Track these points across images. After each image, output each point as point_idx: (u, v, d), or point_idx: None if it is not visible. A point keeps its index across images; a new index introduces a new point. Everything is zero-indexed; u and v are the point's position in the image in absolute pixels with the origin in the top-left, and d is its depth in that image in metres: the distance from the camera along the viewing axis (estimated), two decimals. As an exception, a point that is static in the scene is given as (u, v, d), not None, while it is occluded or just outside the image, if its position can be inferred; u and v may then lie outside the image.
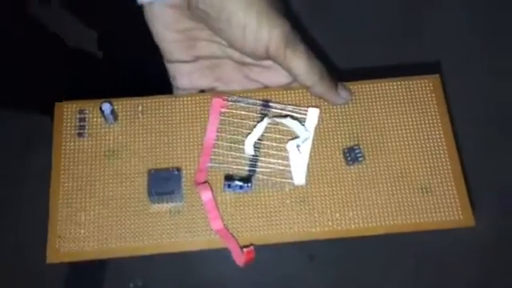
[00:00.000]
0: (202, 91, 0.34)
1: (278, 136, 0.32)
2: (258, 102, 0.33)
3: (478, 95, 0.65)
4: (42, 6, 0.67)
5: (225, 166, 0.31)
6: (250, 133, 0.32)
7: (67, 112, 0.32)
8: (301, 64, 0.30)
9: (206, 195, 0.30)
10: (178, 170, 0.31)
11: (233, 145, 0.32)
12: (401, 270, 0.67)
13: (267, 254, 0.67)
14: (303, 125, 0.32)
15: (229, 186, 0.30)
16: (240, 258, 0.29)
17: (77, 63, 0.68)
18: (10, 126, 0.69)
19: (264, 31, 0.29)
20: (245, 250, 0.29)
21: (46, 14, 0.69)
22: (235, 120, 0.32)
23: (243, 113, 0.32)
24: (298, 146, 0.31)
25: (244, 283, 0.67)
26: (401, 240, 0.67)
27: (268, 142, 0.32)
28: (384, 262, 0.68)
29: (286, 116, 0.32)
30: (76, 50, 0.68)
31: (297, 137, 0.32)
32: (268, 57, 0.31)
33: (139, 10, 0.32)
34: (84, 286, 0.70)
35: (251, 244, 0.30)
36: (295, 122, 0.32)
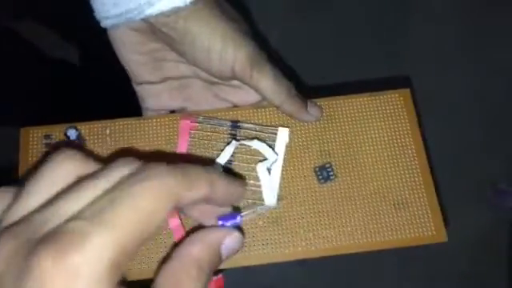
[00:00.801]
0: (173, 111, 0.34)
1: (248, 157, 0.32)
2: (227, 122, 0.32)
3: (447, 104, 0.66)
4: (13, 23, 0.66)
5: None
6: (219, 154, 0.31)
7: (33, 137, 0.32)
8: (268, 83, 0.30)
9: (173, 222, 0.29)
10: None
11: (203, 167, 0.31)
12: (388, 271, 0.68)
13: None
14: (272, 146, 0.31)
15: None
16: (210, 286, 0.29)
17: (47, 88, 0.67)
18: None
19: (229, 52, 0.29)
20: (214, 277, 0.29)
21: (20, 29, 0.68)
22: (205, 141, 0.32)
23: (213, 134, 0.32)
24: (268, 168, 0.31)
25: (237, 286, 0.67)
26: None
27: (238, 163, 0.32)
28: (373, 259, 0.68)
29: (254, 137, 0.32)
30: (45, 74, 0.68)
31: (266, 158, 0.31)
32: (235, 77, 0.30)
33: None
34: None
35: (222, 270, 0.29)
36: (263, 144, 0.31)
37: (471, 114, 0.68)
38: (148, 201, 0.17)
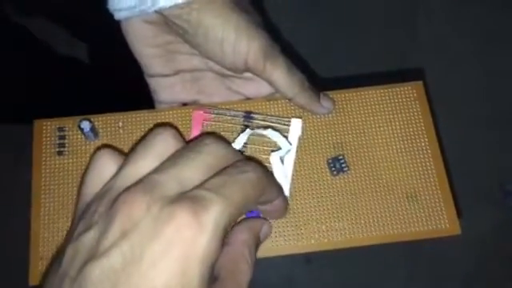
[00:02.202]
0: (185, 104, 0.34)
1: (261, 147, 0.32)
2: (240, 113, 0.32)
3: (461, 99, 0.65)
4: (26, 19, 0.66)
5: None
6: (232, 144, 0.31)
7: (46, 130, 0.32)
8: (281, 76, 0.30)
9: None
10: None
11: (216, 158, 0.31)
12: (395, 270, 0.67)
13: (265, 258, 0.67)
14: (285, 136, 0.31)
15: None
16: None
17: (61, 81, 0.67)
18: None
19: (242, 44, 0.29)
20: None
21: (31, 26, 0.68)
22: (218, 132, 0.32)
23: (226, 125, 0.32)
24: (281, 158, 0.31)
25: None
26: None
27: (251, 154, 0.32)
28: (378, 262, 0.68)
29: (267, 127, 0.32)
30: (60, 65, 0.68)
31: (280, 148, 0.31)
32: (248, 70, 0.30)
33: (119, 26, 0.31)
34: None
35: None
36: (277, 133, 0.31)
37: (483, 111, 0.67)
38: (252, 190, 0.21)
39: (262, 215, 0.28)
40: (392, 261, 0.68)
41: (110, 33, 0.32)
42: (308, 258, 0.69)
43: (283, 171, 0.31)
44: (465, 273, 0.67)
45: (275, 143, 0.31)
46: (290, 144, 0.31)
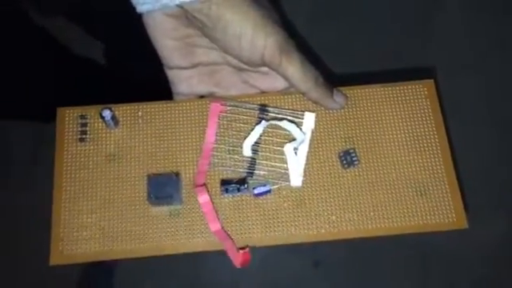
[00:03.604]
0: (201, 97, 0.35)
1: (275, 139, 0.33)
2: (255, 106, 0.33)
3: (472, 98, 0.65)
4: (47, 15, 0.68)
5: (223, 168, 0.32)
6: (248, 136, 0.32)
7: (69, 117, 0.33)
8: (295, 71, 0.31)
9: (202, 197, 0.31)
10: (177, 174, 0.32)
11: (231, 148, 0.33)
12: (406, 274, 0.68)
13: (272, 260, 0.68)
14: (300, 128, 0.32)
15: (226, 190, 0.31)
16: (237, 259, 0.30)
17: (79, 70, 0.68)
18: (19, 133, 0.70)
19: (259, 39, 0.30)
20: (241, 251, 0.30)
21: (50, 23, 0.70)
22: (234, 124, 0.33)
23: (241, 117, 0.33)
24: (295, 149, 0.32)
25: (254, 285, 0.68)
26: (405, 243, 0.68)
27: (265, 146, 0.33)
28: (389, 266, 0.68)
29: (282, 119, 0.33)
30: (78, 58, 0.69)
31: (294, 139, 0.32)
32: (264, 64, 0.31)
33: (139, 18, 0.33)
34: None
35: (247, 246, 0.30)
36: (292, 124, 0.32)
37: (495, 112, 0.67)
38: None
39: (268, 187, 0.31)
40: (402, 265, 0.68)
41: (132, 24, 0.33)
42: (316, 262, 0.69)
43: (296, 162, 0.32)
44: (476, 277, 0.67)
45: (289, 135, 0.33)
46: (304, 134, 0.32)
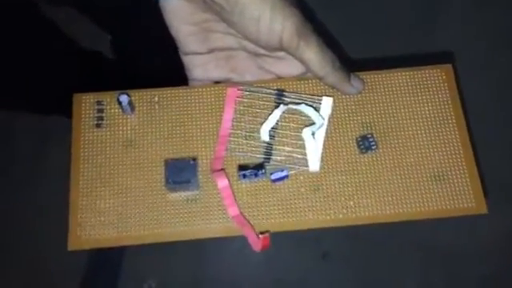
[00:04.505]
0: (217, 82, 0.35)
1: (292, 125, 0.33)
2: (272, 91, 0.33)
3: (491, 85, 0.65)
4: (57, 4, 0.68)
5: (240, 154, 0.32)
6: (265, 121, 0.32)
7: (85, 103, 0.33)
8: (313, 55, 0.31)
9: (221, 182, 0.31)
10: (194, 159, 0.31)
11: (248, 133, 0.32)
12: (413, 266, 0.68)
13: (280, 252, 0.68)
14: (318, 112, 0.32)
15: (244, 176, 0.31)
16: (257, 244, 0.30)
17: (94, 58, 0.68)
18: (25, 127, 0.70)
19: (277, 23, 0.30)
20: (261, 236, 0.30)
21: (59, 13, 0.70)
22: (250, 109, 0.33)
23: (258, 102, 0.33)
24: (312, 133, 0.32)
25: (258, 282, 0.68)
26: (413, 236, 0.68)
27: (283, 131, 0.32)
28: (396, 259, 0.68)
29: (300, 103, 0.33)
30: (92, 45, 0.69)
31: (311, 124, 0.32)
32: (281, 48, 0.31)
33: (155, 4, 0.32)
34: (98, 287, 0.71)
35: (267, 231, 0.30)
36: (310, 108, 0.32)
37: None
38: None
39: (286, 173, 0.31)
40: (406, 262, 0.68)
41: (150, 10, 0.33)
42: (324, 253, 0.69)
43: (314, 147, 0.31)
44: (482, 274, 0.67)
45: (307, 120, 0.32)
46: (323, 119, 0.32)
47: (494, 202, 0.63)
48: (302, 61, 0.31)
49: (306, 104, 0.32)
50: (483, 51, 0.66)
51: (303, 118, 0.33)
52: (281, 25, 0.30)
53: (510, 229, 0.67)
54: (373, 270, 0.69)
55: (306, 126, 0.32)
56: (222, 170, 0.31)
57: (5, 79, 0.58)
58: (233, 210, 0.30)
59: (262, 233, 0.30)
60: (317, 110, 0.32)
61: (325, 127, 0.32)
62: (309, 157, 0.31)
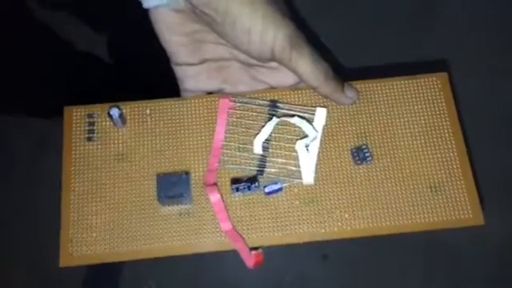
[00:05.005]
0: (210, 93, 0.34)
1: (286, 136, 0.32)
2: (265, 102, 0.33)
3: (486, 92, 0.64)
4: (52, 10, 0.67)
5: (233, 166, 0.32)
6: (258, 133, 0.32)
7: (76, 116, 0.33)
8: (306, 66, 0.30)
9: (214, 197, 0.30)
10: (187, 173, 0.31)
11: (241, 145, 0.32)
12: (415, 268, 0.67)
13: (280, 253, 0.67)
14: (311, 124, 0.32)
15: (237, 189, 0.31)
16: (249, 260, 0.29)
17: (86, 68, 0.68)
18: (22, 131, 0.70)
19: (269, 34, 0.29)
20: (253, 252, 0.29)
21: (55, 19, 0.69)
22: (243, 121, 0.32)
23: (251, 113, 0.33)
24: (306, 146, 0.31)
25: (258, 283, 0.68)
26: (414, 238, 0.67)
27: (276, 142, 0.32)
28: (398, 260, 0.67)
29: (293, 115, 0.32)
30: (84, 56, 0.69)
31: (305, 136, 0.32)
32: (274, 59, 0.31)
33: (146, 15, 0.32)
34: (98, 288, 0.71)
35: (260, 246, 0.30)
36: (303, 120, 0.32)
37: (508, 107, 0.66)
38: None
39: (280, 185, 0.31)
40: (410, 262, 0.68)
41: (138, 20, 0.33)
42: (324, 255, 0.69)
43: (308, 159, 0.31)
44: (486, 274, 0.67)
45: (300, 131, 0.32)
46: (316, 131, 0.32)
47: (499, 199, 0.63)
48: (294, 71, 0.31)
49: (299, 116, 0.32)
50: (479, 58, 0.66)
51: (297, 129, 0.32)
52: (272, 36, 0.29)
53: (508, 229, 0.67)
54: (374, 272, 0.68)
55: (300, 137, 0.32)
56: (215, 184, 0.31)
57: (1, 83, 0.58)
58: (225, 225, 0.30)
59: (255, 248, 0.30)
60: (310, 121, 0.32)
61: (319, 139, 0.32)
62: (303, 170, 0.31)
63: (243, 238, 0.30)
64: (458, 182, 0.31)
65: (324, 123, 0.32)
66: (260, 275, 0.68)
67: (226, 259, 0.66)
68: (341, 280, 0.68)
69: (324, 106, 0.33)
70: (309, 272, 0.69)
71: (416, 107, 0.33)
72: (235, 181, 0.31)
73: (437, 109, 0.33)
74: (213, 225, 0.30)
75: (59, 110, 0.34)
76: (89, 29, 0.69)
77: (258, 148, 0.31)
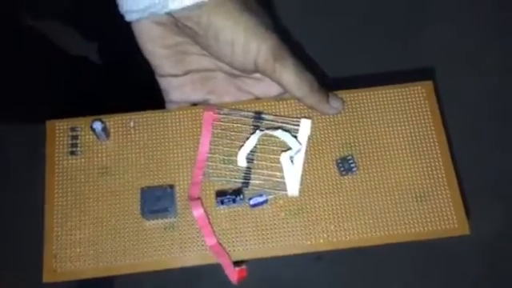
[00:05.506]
0: (195, 104, 0.34)
1: (271, 148, 0.32)
2: (250, 113, 0.33)
3: (471, 95, 0.64)
4: (36, 21, 0.67)
5: (218, 178, 0.31)
6: (242, 145, 0.32)
7: (59, 130, 0.33)
8: (290, 77, 0.30)
9: (197, 212, 0.30)
10: (171, 186, 0.31)
11: (226, 157, 0.32)
12: (407, 270, 0.67)
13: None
14: (295, 136, 0.32)
15: (222, 202, 0.30)
16: (233, 276, 0.29)
17: (72, 75, 0.68)
18: (10, 142, 0.69)
19: (252, 46, 0.29)
20: (237, 268, 0.29)
21: (41, 28, 0.69)
22: (228, 133, 0.32)
23: (236, 125, 0.32)
24: (291, 157, 0.31)
25: (253, 285, 0.68)
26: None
27: (261, 154, 0.32)
28: (390, 262, 0.68)
29: (277, 128, 0.32)
30: (71, 66, 0.68)
31: (290, 148, 0.31)
32: (257, 71, 0.30)
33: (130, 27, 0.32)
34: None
35: (244, 261, 0.30)
36: (287, 133, 0.32)
37: (494, 109, 0.67)
38: None
39: (265, 197, 0.31)
40: (400, 260, 0.68)
41: (122, 32, 0.33)
42: (318, 255, 0.69)
43: (293, 171, 0.31)
44: (475, 272, 0.67)
45: (285, 143, 0.32)
46: (300, 144, 0.31)
47: (486, 201, 0.63)
48: (279, 83, 0.31)
49: (283, 129, 0.32)
50: (464, 67, 0.66)
51: (282, 140, 0.32)
52: (255, 48, 0.29)
53: (506, 225, 0.67)
54: (367, 271, 0.68)
55: (285, 149, 0.32)
56: (198, 198, 0.31)
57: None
58: (209, 240, 0.30)
59: (239, 263, 0.30)
60: (295, 132, 0.32)
61: (304, 151, 0.32)
62: (287, 182, 0.31)
63: (227, 253, 0.30)
64: (444, 192, 0.31)
65: (309, 134, 0.32)
66: (254, 276, 0.68)
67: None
68: (334, 280, 0.68)
69: (309, 117, 0.32)
70: (302, 273, 0.69)
71: (401, 116, 0.33)
72: (220, 193, 0.31)
73: (422, 118, 0.33)
74: (198, 238, 0.30)
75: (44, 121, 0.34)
76: (74, 42, 0.68)
77: (242, 161, 0.31)
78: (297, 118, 0.32)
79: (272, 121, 0.32)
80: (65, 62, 0.67)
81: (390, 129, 0.33)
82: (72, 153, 0.32)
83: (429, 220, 0.31)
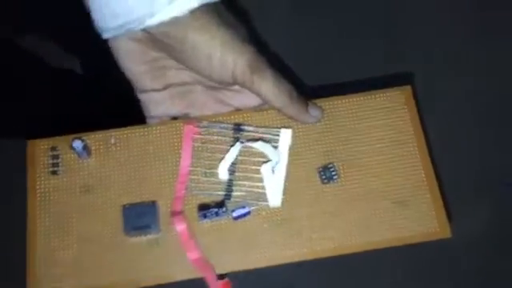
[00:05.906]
0: (175, 118, 0.34)
1: (252, 159, 0.32)
2: (230, 126, 0.33)
3: (451, 100, 0.65)
4: (14, 35, 0.66)
5: (200, 192, 0.31)
6: (224, 157, 0.32)
7: (40, 150, 0.32)
8: (269, 88, 0.30)
9: (180, 226, 0.30)
10: (153, 202, 0.31)
11: (208, 171, 0.32)
12: (391, 274, 0.68)
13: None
14: (275, 147, 0.32)
15: (204, 216, 0.30)
16: (217, 289, 0.29)
17: (52, 95, 0.67)
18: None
19: (229, 60, 0.29)
20: (220, 282, 0.29)
21: (22, 44, 0.68)
22: (209, 145, 0.32)
23: (216, 138, 0.33)
24: (272, 168, 0.31)
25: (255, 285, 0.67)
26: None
27: (242, 166, 0.32)
28: (374, 266, 0.68)
29: (258, 139, 0.32)
30: (51, 82, 0.68)
31: (270, 160, 0.32)
32: (236, 83, 0.31)
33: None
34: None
35: (225, 275, 0.30)
36: (267, 145, 0.32)
37: (475, 111, 0.67)
38: None
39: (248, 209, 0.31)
40: (387, 260, 0.68)
41: (101, 47, 0.33)
42: (299, 262, 0.69)
43: (274, 182, 0.31)
44: (462, 271, 0.67)
45: (266, 155, 0.32)
46: (280, 155, 0.32)
47: (475, 197, 0.64)
48: (258, 94, 0.31)
49: (264, 139, 0.32)
50: (443, 69, 0.66)
51: (263, 152, 0.32)
52: (232, 62, 0.29)
53: (491, 223, 0.67)
54: (351, 275, 0.68)
55: (266, 160, 0.32)
56: (181, 213, 0.31)
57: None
58: (192, 255, 0.30)
59: (222, 276, 0.30)
60: (275, 142, 0.32)
61: (285, 162, 0.32)
62: (268, 193, 0.31)
63: (211, 267, 0.30)
64: (425, 196, 0.31)
65: (290, 143, 0.32)
66: (247, 273, 0.67)
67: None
68: (317, 286, 0.68)
69: (289, 127, 0.33)
70: (285, 279, 0.69)
71: (380, 122, 0.33)
72: (202, 207, 0.31)
73: (401, 123, 0.33)
74: (181, 254, 0.30)
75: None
76: (51, 56, 0.68)
77: (223, 174, 0.31)
78: (277, 128, 0.33)
79: (252, 132, 0.32)
80: (43, 77, 0.66)
81: (370, 135, 0.33)
82: (53, 172, 0.32)
83: (411, 225, 0.31)
